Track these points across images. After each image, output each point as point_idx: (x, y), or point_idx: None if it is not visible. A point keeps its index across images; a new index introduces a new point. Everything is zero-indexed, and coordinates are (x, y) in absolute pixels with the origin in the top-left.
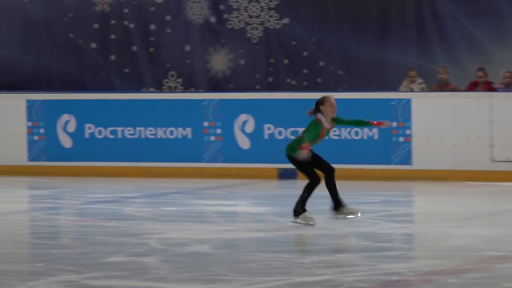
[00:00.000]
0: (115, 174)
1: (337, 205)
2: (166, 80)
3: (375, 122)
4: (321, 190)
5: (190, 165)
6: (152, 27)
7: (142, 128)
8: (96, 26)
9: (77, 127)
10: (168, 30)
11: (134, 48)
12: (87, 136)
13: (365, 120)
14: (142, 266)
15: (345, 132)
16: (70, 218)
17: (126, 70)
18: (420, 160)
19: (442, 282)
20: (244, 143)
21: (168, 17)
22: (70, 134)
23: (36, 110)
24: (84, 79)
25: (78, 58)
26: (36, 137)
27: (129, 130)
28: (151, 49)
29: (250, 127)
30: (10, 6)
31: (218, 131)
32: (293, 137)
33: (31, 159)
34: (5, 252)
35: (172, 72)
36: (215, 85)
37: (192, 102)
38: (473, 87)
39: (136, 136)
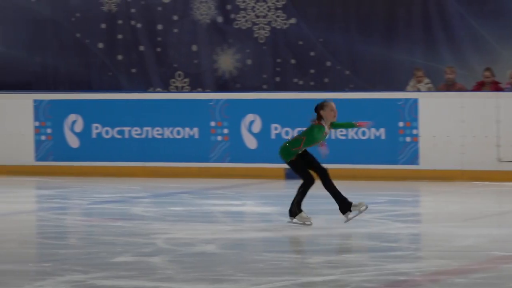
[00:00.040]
0: (122, 174)
1: (344, 205)
2: (173, 80)
3: (358, 123)
4: (321, 190)
5: (197, 165)
6: (159, 27)
7: (149, 128)
8: (103, 26)
9: (84, 127)
10: (175, 30)
11: (141, 48)
12: (94, 136)
13: (353, 122)
14: (149, 266)
15: (352, 132)
16: (77, 218)
17: (133, 70)
18: (427, 160)
19: (449, 282)
20: (251, 143)
21: (175, 17)
22: (77, 134)
23: (43, 110)
24: (91, 79)
25: (85, 58)
26: (43, 137)
27: (136, 130)
28: (158, 49)
29: (257, 127)
30: (17, 6)
31: (225, 131)
32: (288, 138)
33: (38, 159)
34: (13, 252)
35: (179, 72)
36: (222, 85)
37: (199, 102)
38: (480, 87)
39: (143, 136)
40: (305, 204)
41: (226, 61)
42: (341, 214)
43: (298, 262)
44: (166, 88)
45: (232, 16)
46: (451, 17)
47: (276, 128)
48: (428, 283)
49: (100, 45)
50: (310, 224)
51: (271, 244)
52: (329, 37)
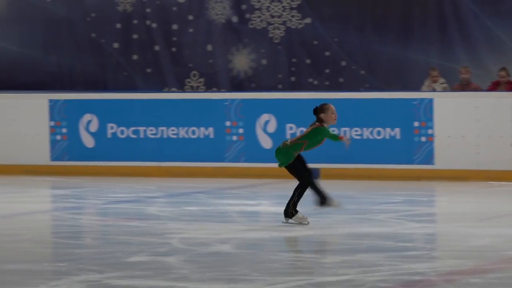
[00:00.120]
0: (137, 173)
1: (323, 198)
2: (188, 80)
3: (340, 137)
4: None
5: (212, 165)
6: (175, 27)
7: (164, 128)
8: (118, 26)
9: (99, 127)
10: (190, 30)
11: (156, 48)
12: (109, 136)
13: (338, 136)
14: (164, 265)
15: (367, 132)
16: (92, 218)
17: (148, 70)
18: (442, 160)
19: (464, 282)
20: (266, 142)
21: (191, 17)
22: (93, 134)
23: (59, 110)
24: (107, 79)
25: (101, 58)
26: (58, 137)
27: (151, 130)
28: (173, 49)
29: (272, 126)
30: (32, 6)
31: (240, 130)
32: (287, 142)
33: (53, 158)
34: (28, 251)
35: (194, 72)
36: (237, 85)
37: (214, 101)
38: (495, 86)
39: (158, 136)
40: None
41: (241, 61)
42: (316, 204)
43: (313, 262)
44: (181, 88)
45: (247, 16)
46: (467, 17)
47: (291, 128)
48: (443, 283)
49: (116, 45)
50: (307, 224)
51: (286, 244)
52: (344, 37)
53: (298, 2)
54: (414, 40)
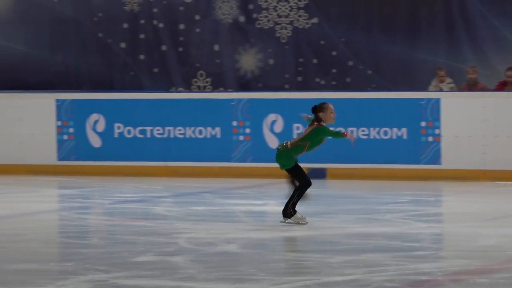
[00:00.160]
0: (144, 173)
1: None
2: (195, 79)
3: (346, 134)
4: (341, 190)
5: (219, 165)
6: (181, 26)
7: (171, 128)
8: (125, 25)
9: (106, 127)
10: (197, 30)
11: (163, 47)
12: (116, 135)
13: (341, 132)
14: (171, 265)
15: (374, 132)
16: (99, 218)
17: (155, 70)
18: (449, 159)
19: (471, 282)
20: (273, 142)
21: (197, 17)
22: (99, 134)
23: (66, 110)
24: (113, 78)
25: (107, 58)
26: (65, 137)
27: (158, 130)
28: (180, 49)
29: (279, 126)
30: (39, 6)
31: (247, 130)
32: (287, 144)
33: (60, 158)
34: (35, 251)
35: (201, 72)
36: (244, 85)
37: (221, 101)
38: (502, 86)
39: (165, 135)
40: (325, 204)
41: (248, 61)
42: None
43: (319, 261)
44: (188, 88)
45: (254, 15)
46: (474, 17)
47: (298, 128)
48: (450, 283)
49: (122, 45)
50: (305, 224)
51: (292, 243)
52: (351, 36)
53: (305, 2)
54: (421, 40)
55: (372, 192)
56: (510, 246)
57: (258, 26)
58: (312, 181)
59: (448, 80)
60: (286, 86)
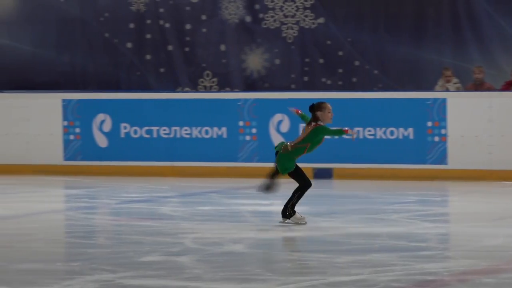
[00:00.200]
0: (151, 173)
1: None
2: (201, 79)
3: (346, 130)
4: (350, 190)
5: (225, 165)
6: (188, 26)
7: (177, 128)
8: (131, 25)
9: (112, 127)
10: (204, 30)
11: (170, 47)
12: (122, 135)
13: (342, 129)
14: (177, 265)
15: (380, 132)
16: (105, 218)
17: (162, 70)
18: (456, 159)
19: (477, 282)
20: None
21: (204, 17)
22: (106, 134)
23: (72, 110)
24: (120, 78)
25: (114, 58)
26: (71, 137)
27: (164, 130)
28: (187, 49)
29: (285, 126)
30: (46, 6)
31: (254, 130)
32: (288, 147)
33: (66, 158)
34: (41, 251)
35: (208, 72)
36: (251, 85)
37: (228, 101)
38: (508, 86)
39: (172, 135)
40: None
41: (255, 61)
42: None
43: (325, 261)
44: (194, 88)
45: (261, 15)
46: (480, 17)
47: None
48: (457, 283)
49: (129, 45)
50: (305, 224)
51: (299, 243)
52: (358, 36)
53: (311, 2)
54: (427, 40)
55: (378, 192)
56: None
57: (265, 26)
58: (318, 181)
59: (455, 80)
60: (293, 86)
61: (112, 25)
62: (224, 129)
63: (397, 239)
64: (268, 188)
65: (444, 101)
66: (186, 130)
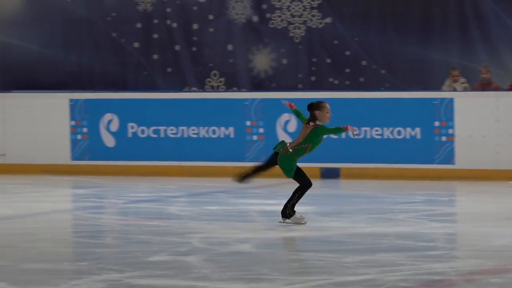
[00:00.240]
0: (158, 173)
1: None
2: (208, 79)
3: (346, 127)
4: (360, 190)
5: (233, 165)
6: (195, 26)
7: (184, 127)
8: (138, 25)
9: (120, 126)
10: (211, 30)
11: (177, 47)
12: (130, 135)
13: (341, 127)
14: (184, 265)
15: (387, 132)
16: (113, 217)
17: (169, 70)
18: (463, 159)
19: (484, 281)
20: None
21: (211, 17)
22: (113, 133)
23: (79, 110)
24: (127, 78)
25: (121, 58)
26: (79, 136)
27: (171, 129)
28: (194, 49)
29: (292, 126)
30: (53, 6)
31: (261, 130)
32: (289, 148)
33: (74, 158)
34: (49, 251)
35: (215, 72)
36: (258, 85)
37: (235, 101)
38: None
39: (179, 135)
40: (341, 203)
41: (262, 61)
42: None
43: (333, 261)
44: (201, 88)
45: (268, 15)
46: (487, 17)
47: None
48: (464, 282)
49: (136, 45)
50: (304, 223)
51: (306, 243)
52: (365, 36)
53: (318, 2)
54: (434, 40)
55: (385, 192)
56: None
57: (272, 26)
58: (326, 181)
59: (462, 80)
60: (300, 86)
61: (119, 25)
62: (231, 129)
63: (404, 239)
64: (244, 179)
65: (451, 101)
66: (193, 130)
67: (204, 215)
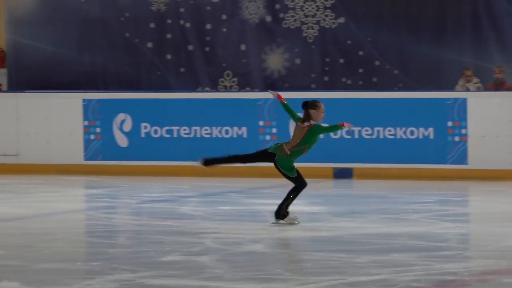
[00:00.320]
0: (171, 173)
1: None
2: (221, 79)
3: (342, 124)
4: (372, 191)
5: (246, 165)
6: (208, 26)
7: (197, 128)
8: (152, 25)
9: (133, 126)
10: (224, 30)
11: (190, 47)
12: (143, 135)
13: (337, 124)
14: (197, 265)
15: (400, 132)
16: (126, 217)
17: (182, 70)
18: (476, 159)
19: (497, 282)
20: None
21: (224, 17)
22: (126, 133)
23: (92, 110)
24: (140, 78)
25: (134, 58)
26: (92, 136)
27: (184, 130)
28: (207, 49)
29: None
30: (67, 6)
31: (274, 130)
32: (286, 150)
33: (87, 158)
34: (62, 250)
35: (228, 72)
36: (271, 84)
37: (248, 101)
38: None
39: (192, 135)
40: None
41: (275, 61)
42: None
43: (346, 261)
44: (214, 88)
45: (281, 15)
46: (501, 17)
47: None
48: (477, 283)
49: (149, 45)
50: (298, 223)
51: (319, 243)
52: (378, 36)
53: (332, 2)
54: (447, 40)
55: (398, 192)
56: None
57: (285, 26)
58: (339, 181)
59: (475, 80)
60: (313, 85)
61: (132, 25)
62: (244, 129)
63: (417, 239)
64: (209, 164)
65: (464, 101)
66: (206, 130)
67: (217, 215)
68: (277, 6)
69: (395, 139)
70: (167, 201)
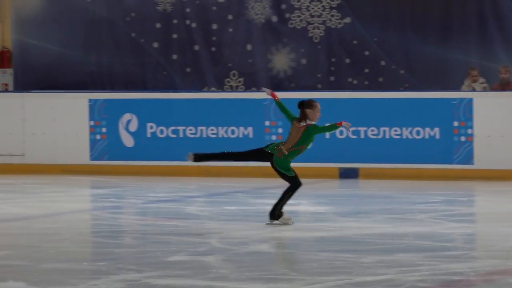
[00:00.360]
0: (177, 173)
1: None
2: (227, 79)
3: (339, 123)
4: (378, 191)
5: (252, 165)
6: (214, 26)
7: (203, 128)
8: (158, 25)
9: (139, 126)
10: (230, 30)
11: (196, 47)
12: (148, 135)
13: (336, 123)
14: (203, 265)
15: (406, 132)
16: (132, 217)
17: (188, 70)
18: (482, 159)
19: (503, 282)
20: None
21: (230, 17)
22: (132, 133)
23: (98, 109)
24: (146, 78)
25: (140, 58)
26: (98, 136)
27: (190, 130)
28: (213, 49)
29: None
30: (73, 7)
31: (280, 130)
32: (284, 150)
33: (93, 158)
34: (68, 250)
35: (234, 72)
36: (277, 85)
37: (254, 101)
38: None
39: (198, 135)
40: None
41: (281, 61)
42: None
43: (351, 261)
44: (220, 88)
45: (287, 15)
46: (507, 17)
47: None
48: (483, 283)
49: (155, 45)
50: (292, 223)
51: (325, 243)
52: (384, 36)
53: (337, 2)
54: (453, 40)
55: (404, 192)
56: None
57: (291, 26)
58: (344, 181)
59: (481, 80)
60: (319, 86)
61: (138, 25)
62: (250, 129)
63: (423, 239)
64: (198, 160)
65: (470, 101)
66: (212, 130)
67: (222, 215)
68: (283, 6)
69: (401, 139)
70: (173, 201)
